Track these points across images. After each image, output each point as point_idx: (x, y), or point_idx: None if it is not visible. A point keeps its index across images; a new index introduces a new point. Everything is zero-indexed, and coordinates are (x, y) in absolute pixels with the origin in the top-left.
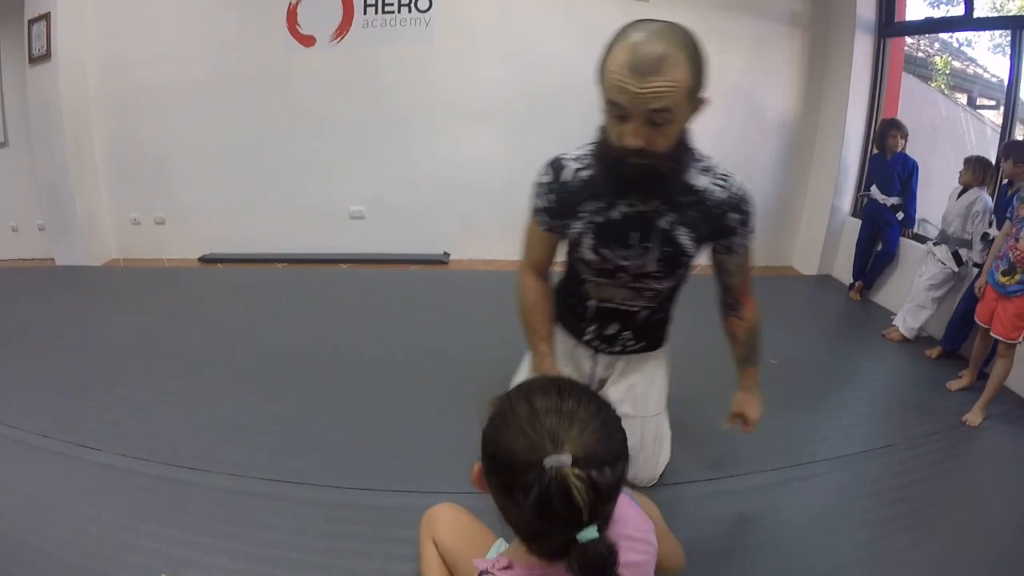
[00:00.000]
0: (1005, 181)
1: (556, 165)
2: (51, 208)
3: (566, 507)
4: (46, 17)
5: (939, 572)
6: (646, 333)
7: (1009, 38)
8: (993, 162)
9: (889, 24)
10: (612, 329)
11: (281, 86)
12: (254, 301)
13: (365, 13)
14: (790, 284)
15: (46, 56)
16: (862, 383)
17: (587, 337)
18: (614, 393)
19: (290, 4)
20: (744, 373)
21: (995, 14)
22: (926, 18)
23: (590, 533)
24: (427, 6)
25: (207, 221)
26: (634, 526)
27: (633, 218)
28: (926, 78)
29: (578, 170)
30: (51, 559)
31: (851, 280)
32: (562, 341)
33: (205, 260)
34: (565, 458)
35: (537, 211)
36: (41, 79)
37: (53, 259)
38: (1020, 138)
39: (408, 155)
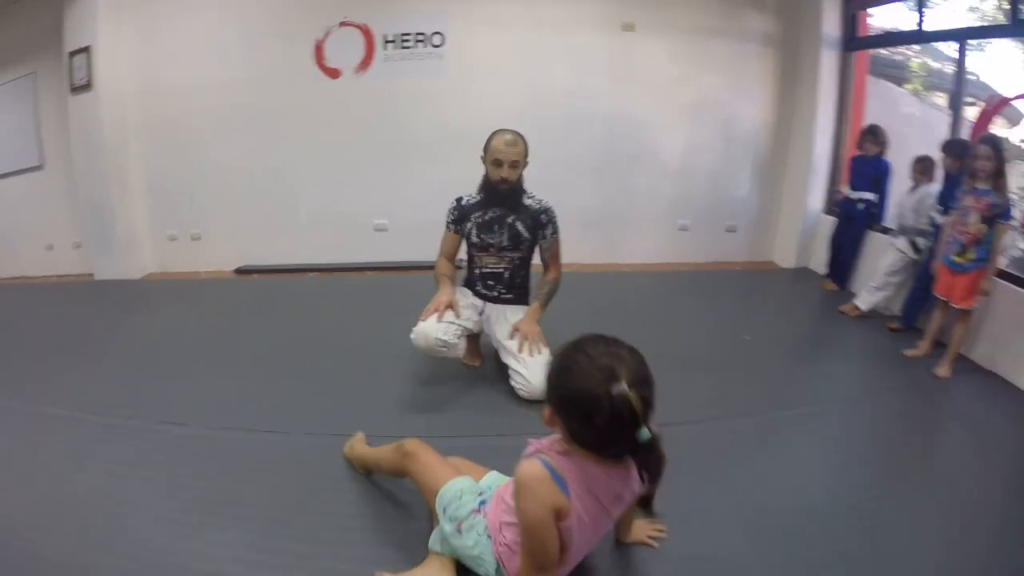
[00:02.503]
0: (946, 174)
1: (459, 200)
2: (91, 227)
3: (631, 418)
4: (87, 50)
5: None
6: (511, 288)
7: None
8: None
9: (852, 39)
10: (489, 283)
11: (310, 114)
12: (290, 305)
13: (385, 48)
14: (771, 276)
15: (87, 86)
16: (836, 350)
17: (477, 288)
18: (504, 330)
19: (317, 40)
20: (533, 306)
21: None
22: (884, 32)
23: (646, 433)
24: (440, 42)
25: (241, 236)
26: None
27: (496, 218)
28: (902, 81)
29: (469, 200)
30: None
31: (826, 271)
32: (465, 294)
33: (240, 271)
34: (623, 385)
35: (449, 224)
36: (83, 107)
37: (92, 274)
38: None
39: (425, 174)
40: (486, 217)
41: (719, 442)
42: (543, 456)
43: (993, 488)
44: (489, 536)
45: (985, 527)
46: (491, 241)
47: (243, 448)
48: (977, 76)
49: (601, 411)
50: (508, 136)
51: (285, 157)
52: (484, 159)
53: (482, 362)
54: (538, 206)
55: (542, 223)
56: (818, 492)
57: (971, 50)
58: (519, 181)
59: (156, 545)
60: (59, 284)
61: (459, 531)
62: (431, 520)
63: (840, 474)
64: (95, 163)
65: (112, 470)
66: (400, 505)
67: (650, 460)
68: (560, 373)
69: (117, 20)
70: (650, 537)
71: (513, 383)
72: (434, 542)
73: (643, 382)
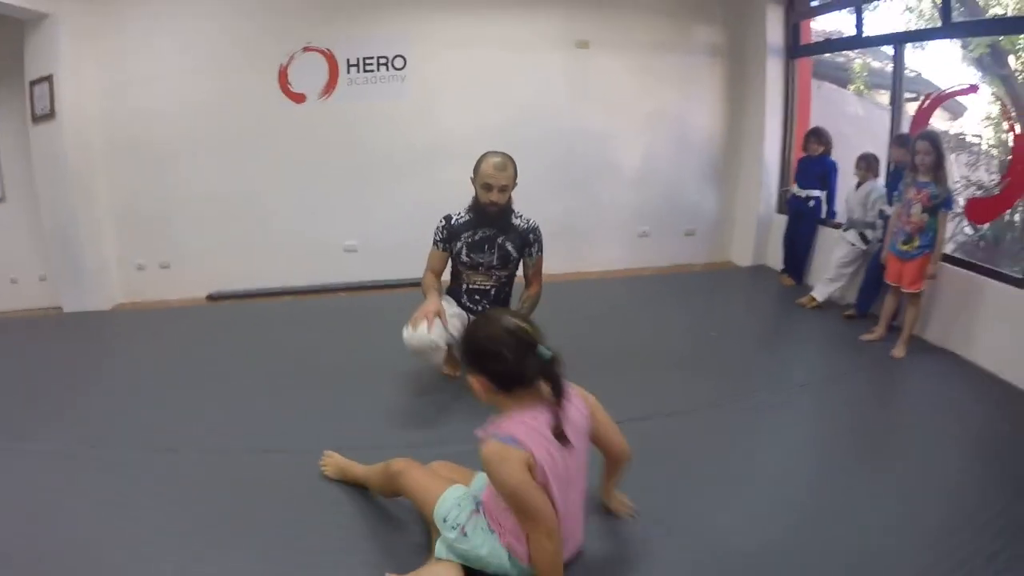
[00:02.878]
0: (893, 167)
1: (448, 218)
2: (59, 258)
3: (528, 338)
4: (48, 79)
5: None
6: (495, 303)
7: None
8: (886, 154)
9: (796, 47)
10: (476, 298)
11: (276, 138)
12: (265, 329)
13: (348, 72)
14: (729, 275)
15: (50, 115)
16: (798, 339)
17: (463, 301)
18: None
19: (281, 65)
20: None
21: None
22: (825, 39)
23: (545, 351)
24: (402, 64)
25: (212, 262)
26: (575, 397)
27: (487, 238)
28: (846, 82)
29: (458, 219)
30: None
31: (782, 267)
32: (451, 303)
33: (212, 298)
34: (511, 319)
35: (437, 242)
36: (46, 137)
37: (60, 307)
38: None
39: (392, 195)
40: (476, 237)
41: (695, 431)
42: (491, 434)
43: (952, 454)
44: (492, 531)
45: (946, 492)
46: (481, 260)
47: (235, 470)
48: (919, 73)
49: (506, 343)
50: (497, 160)
51: (253, 182)
52: (474, 181)
53: (461, 371)
54: (526, 225)
55: (530, 242)
56: (791, 471)
57: (912, 49)
58: (508, 203)
59: (163, 570)
60: (28, 318)
61: (464, 535)
62: (431, 534)
63: (811, 452)
64: (60, 194)
65: (110, 499)
66: (394, 519)
67: (558, 378)
68: (467, 342)
69: (79, 48)
70: (624, 511)
71: None
72: (440, 551)
73: (524, 319)
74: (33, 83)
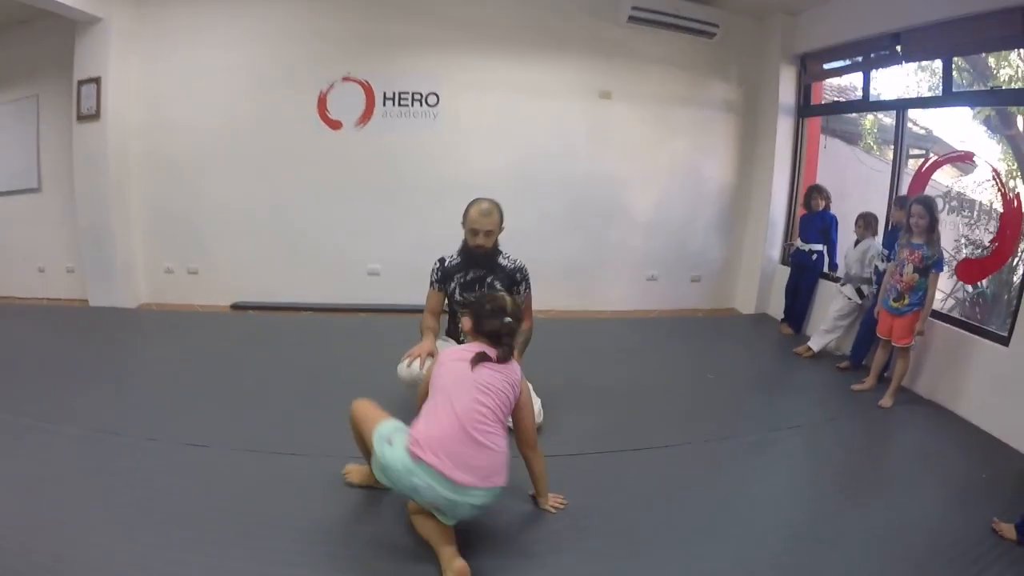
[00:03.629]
0: (892, 226)
1: (441, 260)
2: (90, 253)
3: (502, 308)
4: (97, 80)
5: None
6: None
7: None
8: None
9: (807, 107)
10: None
11: (311, 161)
12: (286, 341)
13: (384, 104)
14: (732, 321)
15: (95, 115)
16: (791, 385)
17: (461, 339)
18: None
19: (321, 92)
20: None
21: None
22: (834, 102)
23: (509, 320)
24: (435, 101)
25: (238, 273)
26: (513, 371)
27: (477, 278)
28: (855, 138)
29: (451, 260)
30: None
31: (782, 316)
32: (449, 342)
33: (236, 307)
34: (503, 293)
35: (433, 283)
36: (89, 136)
37: (86, 300)
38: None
39: (417, 222)
40: (467, 277)
41: (687, 464)
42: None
43: (931, 498)
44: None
45: (923, 529)
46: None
47: (261, 468)
48: (930, 130)
49: (491, 300)
50: (484, 206)
51: (284, 199)
52: (464, 225)
53: None
54: (513, 265)
55: (517, 280)
56: (776, 507)
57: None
58: (494, 246)
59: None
60: (55, 307)
61: (389, 443)
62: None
63: (797, 488)
64: (98, 191)
65: (137, 483)
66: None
67: (510, 338)
68: (478, 309)
69: (126, 53)
70: (554, 507)
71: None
72: (376, 471)
73: (511, 299)
74: (81, 83)
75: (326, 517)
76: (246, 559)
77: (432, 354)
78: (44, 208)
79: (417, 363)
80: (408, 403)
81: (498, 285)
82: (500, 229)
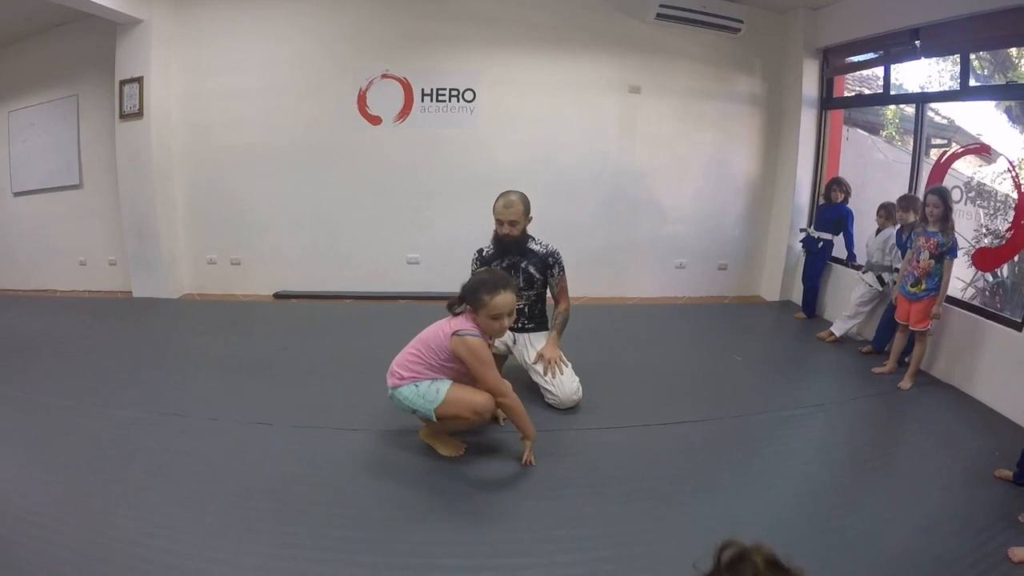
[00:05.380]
0: (899, 226)
1: (480, 251)
2: (133, 246)
3: (508, 279)
4: (139, 80)
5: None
6: (532, 319)
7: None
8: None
9: (829, 100)
10: (513, 317)
11: (351, 155)
12: (331, 327)
13: (422, 100)
14: (758, 309)
15: (138, 114)
16: (815, 368)
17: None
18: (532, 355)
19: (361, 90)
20: (552, 334)
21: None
22: (856, 94)
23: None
24: (472, 97)
25: (280, 264)
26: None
27: (512, 264)
28: (877, 128)
29: (488, 251)
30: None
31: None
32: None
33: (279, 296)
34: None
35: (474, 272)
36: (132, 133)
37: (129, 292)
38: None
39: (455, 213)
40: (503, 264)
41: (717, 436)
42: (468, 332)
43: (946, 471)
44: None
45: (938, 503)
46: None
47: (321, 442)
48: (952, 119)
49: (501, 283)
50: (508, 198)
51: (325, 192)
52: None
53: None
54: (544, 251)
55: (550, 264)
56: (801, 472)
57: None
58: (522, 233)
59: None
60: (101, 299)
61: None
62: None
63: (820, 459)
64: (142, 186)
65: (210, 462)
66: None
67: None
68: (478, 284)
69: (166, 53)
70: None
71: (545, 397)
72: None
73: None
74: (124, 82)
75: (384, 484)
76: (314, 528)
77: None
78: (85, 203)
79: None
80: None
81: (532, 269)
82: (527, 219)
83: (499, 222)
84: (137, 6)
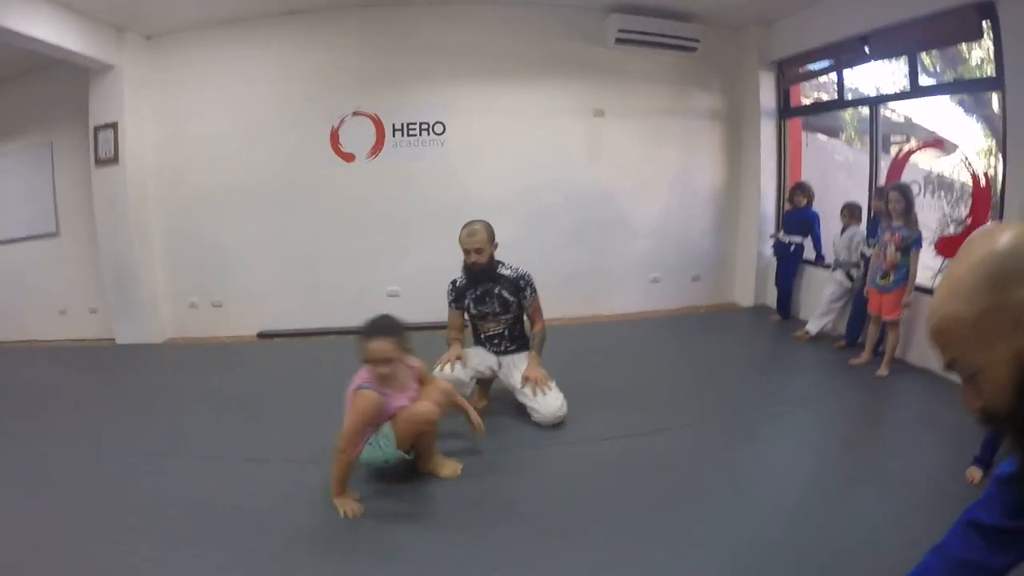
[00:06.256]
0: (873, 214)
1: (453, 282)
2: (113, 292)
3: (386, 324)
4: (114, 126)
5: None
6: (512, 340)
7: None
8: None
9: (787, 109)
10: (495, 342)
11: (327, 193)
12: (315, 364)
13: (394, 135)
14: (733, 315)
15: (114, 159)
16: (794, 367)
17: (487, 348)
18: (517, 377)
19: (333, 128)
20: (532, 355)
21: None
22: (813, 102)
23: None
24: (442, 130)
25: (262, 303)
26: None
27: (486, 291)
28: (836, 131)
29: (460, 282)
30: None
31: (775, 306)
32: (479, 352)
33: (263, 335)
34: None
35: (450, 303)
36: (108, 179)
37: (112, 339)
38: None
39: (431, 245)
40: (477, 292)
41: (707, 438)
42: (364, 384)
43: (929, 450)
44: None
45: (924, 479)
46: (486, 311)
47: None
48: (909, 117)
49: (373, 319)
50: (472, 227)
51: (303, 230)
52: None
53: (487, 403)
54: (515, 274)
55: (521, 287)
56: (792, 463)
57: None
58: (490, 260)
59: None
60: (84, 347)
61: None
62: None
63: (809, 450)
64: (120, 232)
65: (202, 499)
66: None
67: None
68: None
69: (140, 97)
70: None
71: (532, 416)
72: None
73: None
74: (98, 128)
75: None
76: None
77: (460, 358)
78: (62, 251)
79: (448, 367)
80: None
81: (505, 294)
82: (493, 245)
83: (466, 251)
84: (108, 51)
